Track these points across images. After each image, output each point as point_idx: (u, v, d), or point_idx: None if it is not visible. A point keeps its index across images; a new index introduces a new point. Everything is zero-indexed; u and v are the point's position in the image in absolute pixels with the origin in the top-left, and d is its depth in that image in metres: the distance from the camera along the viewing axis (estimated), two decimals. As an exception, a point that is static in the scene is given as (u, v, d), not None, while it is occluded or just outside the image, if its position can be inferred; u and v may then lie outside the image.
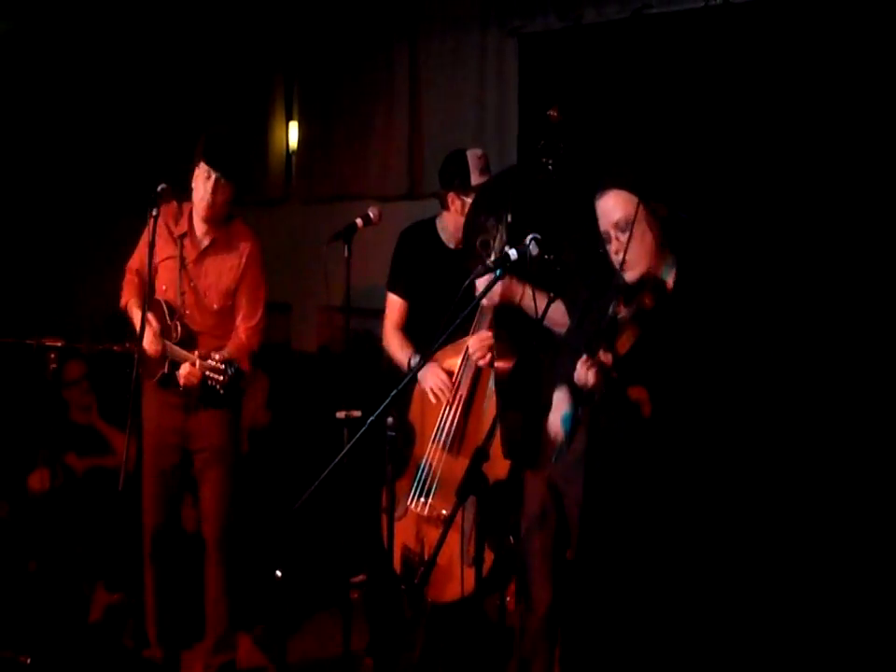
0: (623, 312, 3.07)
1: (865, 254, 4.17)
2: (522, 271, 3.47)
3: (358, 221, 4.10)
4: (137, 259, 4.43)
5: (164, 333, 4.22)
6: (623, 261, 3.11)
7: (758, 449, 4.01)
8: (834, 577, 4.11)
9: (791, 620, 4.11)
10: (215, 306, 4.31)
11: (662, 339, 3.05)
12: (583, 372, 3.05)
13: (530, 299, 3.52)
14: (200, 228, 4.30)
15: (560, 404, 3.29)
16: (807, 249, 4.29)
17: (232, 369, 4.07)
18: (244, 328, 4.33)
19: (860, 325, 4.18)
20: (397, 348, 4.25)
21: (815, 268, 4.26)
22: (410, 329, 4.30)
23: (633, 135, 4.65)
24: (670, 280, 3.17)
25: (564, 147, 3.65)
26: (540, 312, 3.42)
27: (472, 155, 4.15)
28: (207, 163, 4.15)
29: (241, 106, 7.00)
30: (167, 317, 4.25)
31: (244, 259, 4.31)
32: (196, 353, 4.13)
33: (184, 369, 4.13)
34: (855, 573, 4.08)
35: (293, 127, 7.01)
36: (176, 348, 4.19)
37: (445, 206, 4.23)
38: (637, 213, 3.08)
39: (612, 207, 3.13)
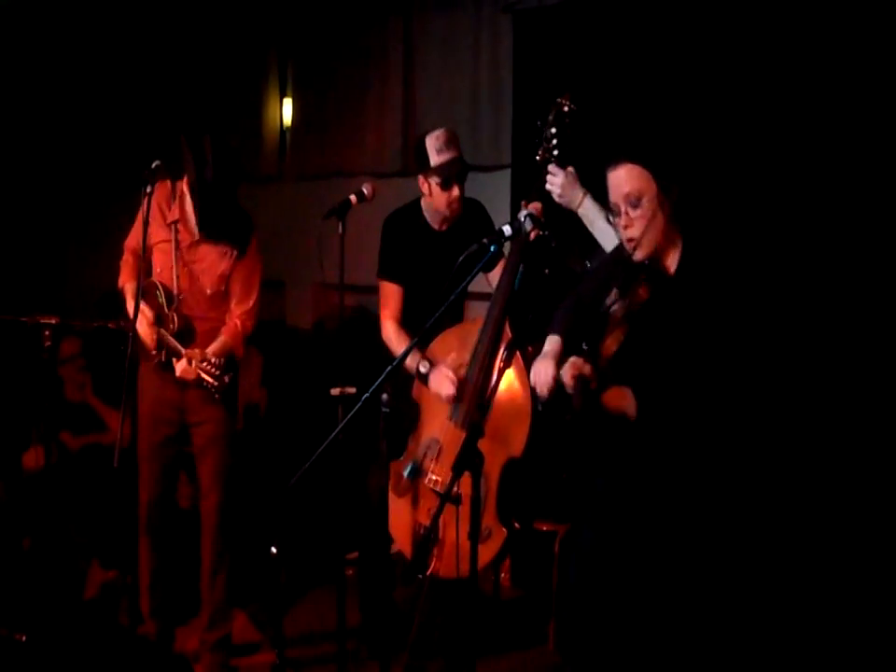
0: (616, 305, 3.07)
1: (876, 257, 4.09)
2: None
3: (352, 198, 4.09)
4: (134, 237, 4.36)
5: (161, 323, 4.20)
6: (633, 239, 3.12)
7: (757, 445, 3.94)
8: (831, 571, 4.07)
9: (787, 612, 4.11)
10: (208, 291, 4.28)
11: (655, 330, 3.04)
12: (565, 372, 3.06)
13: (587, 209, 3.60)
14: (194, 214, 4.27)
15: (550, 351, 3.28)
16: (816, 244, 4.18)
17: (229, 375, 4.09)
18: (238, 312, 4.32)
19: (867, 328, 4.08)
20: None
21: (822, 264, 4.17)
22: (407, 316, 4.30)
23: (629, 113, 4.63)
24: (674, 264, 3.17)
25: (571, 131, 3.69)
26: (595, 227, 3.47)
27: (430, 138, 4.21)
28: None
29: (235, 83, 6.99)
30: (164, 305, 4.22)
31: (238, 244, 4.30)
32: (194, 349, 4.12)
33: (180, 365, 4.12)
34: (854, 569, 4.04)
35: (287, 103, 6.99)
36: (173, 341, 4.16)
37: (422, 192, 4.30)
38: (650, 189, 3.09)
39: (624, 180, 3.13)
